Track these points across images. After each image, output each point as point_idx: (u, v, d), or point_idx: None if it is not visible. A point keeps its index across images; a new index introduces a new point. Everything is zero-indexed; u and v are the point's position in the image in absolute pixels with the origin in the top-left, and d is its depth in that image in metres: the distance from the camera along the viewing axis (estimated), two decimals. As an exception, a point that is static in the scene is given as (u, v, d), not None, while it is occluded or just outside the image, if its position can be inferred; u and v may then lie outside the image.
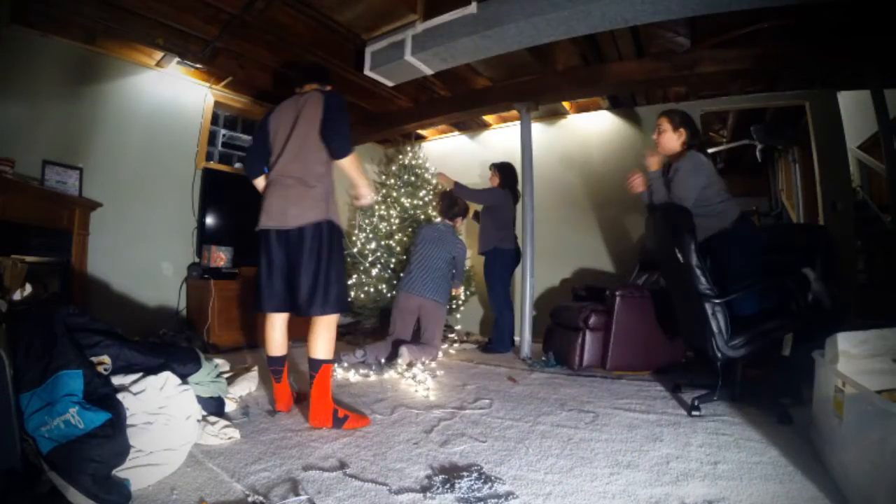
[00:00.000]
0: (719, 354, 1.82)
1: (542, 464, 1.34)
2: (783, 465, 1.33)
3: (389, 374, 2.53)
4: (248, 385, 2.09)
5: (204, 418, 1.50)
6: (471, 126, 4.70)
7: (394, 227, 4.09)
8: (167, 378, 1.34)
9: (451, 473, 1.25)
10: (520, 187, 3.52)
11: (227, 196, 3.78)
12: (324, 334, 1.74)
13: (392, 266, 3.97)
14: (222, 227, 3.70)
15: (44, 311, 1.29)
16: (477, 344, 3.81)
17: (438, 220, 3.35)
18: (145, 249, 3.34)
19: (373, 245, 3.99)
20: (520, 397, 2.13)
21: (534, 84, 3.48)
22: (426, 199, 4.17)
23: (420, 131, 4.82)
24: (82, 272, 2.83)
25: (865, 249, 3.54)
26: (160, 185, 3.47)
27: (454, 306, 4.10)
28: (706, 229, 2.01)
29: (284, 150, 1.82)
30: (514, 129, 4.22)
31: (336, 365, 2.58)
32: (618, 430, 1.66)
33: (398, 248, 3.99)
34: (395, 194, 4.21)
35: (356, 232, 4.34)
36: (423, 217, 4.12)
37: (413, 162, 4.32)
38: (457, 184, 3.49)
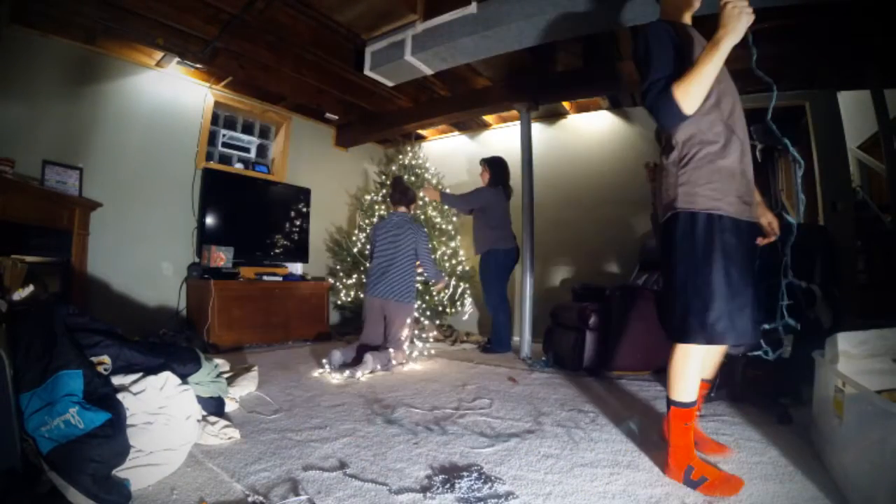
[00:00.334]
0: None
1: (542, 464, 1.34)
2: (783, 465, 1.33)
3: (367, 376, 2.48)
4: (248, 385, 2.09)
5: (204, 418, 1.50)
6: (471, 126, 4.70)
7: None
8: (167, 378, 1.34)
9: (451, 473, 1.25)
10: (516, 182, 3.50)
11: (227, 196, 3.79)
12: (671, 366, 1.30)
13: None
14: (222, 227, 3.70)
15: (44, 311, 1.29)
16: (477, 344, 3.82)
17: (393, 212, 3.09)
18: (145, 249, 3.35)
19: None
20: (520, 397, 2.12)
21: (534, 84, 3.48)
22: (426, 198, 4.17)
23: (420, 131, 4.82)
24: (82, 272, 2.83)
25: (865, 249, 3.54)
26: (160, 185, 3.47)
27: (456, 308, 4.09)
28: None
29: None
30: (514, 129, 4.22)
31: (323, 370, 2.58)
32: (618, 430, 1.66)
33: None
34: (394, 194, 4.21)
35: (356, 232, 4.35)
36: (423, 217, 4.13)
37: (413, 162, 4.33)
38: (443, 194, 3.46)
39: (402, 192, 3.08)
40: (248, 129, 4.31)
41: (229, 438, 1.47)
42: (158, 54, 3.27)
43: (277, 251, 4.07)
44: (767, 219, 1.46)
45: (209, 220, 3.64)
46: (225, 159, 4.11)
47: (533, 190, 3.33)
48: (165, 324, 3.29)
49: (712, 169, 1.25)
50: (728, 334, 1.20)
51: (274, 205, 4.15)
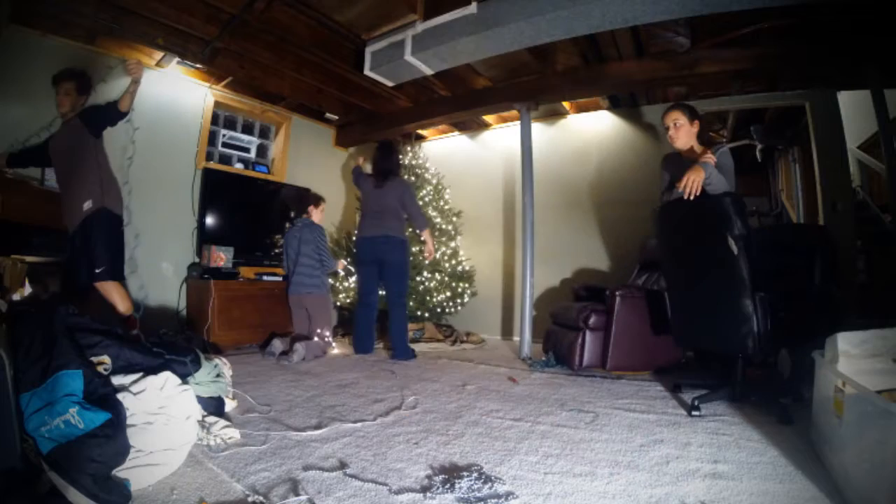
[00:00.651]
0: (759, 350, 1.79)
1: (542, 464, 1.34)
2: (783, 465, 1.33)
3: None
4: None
5: (204, 418, 1.50)
6: (471, 126, 4.70)
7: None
8: (167, 378, 1.34)
9: (451, 473, 1.25)
10: (516, 182, 3.47)
11: (227, 196, 3.79)
12: None
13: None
14: (222, 226, 3.71)
15: (44, 311, 1.29)
16: (474, 345, 3.82)
17: (297, 219, 3.52)
18: (145, 249, 3.34)
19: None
20: (520, 397, 2.12)
21: (534, 84, 3.49)
22: (426, 198, 4.17)
23: (420, 131, 4.82)
24: (82, 272, 2.82)
25: (865, 249, 3.54)
26: (160, 185, 3.47)
27: (455, 308, 4.09)
28: None
29: None
30: (514, 129, 4.22)
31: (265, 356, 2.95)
32: (618, 430, 1.66)
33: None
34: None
35: (356, 232, 4.34)
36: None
37: (413, 162, 4.32)
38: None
39: (300, 201, 3.73)
40: (248, 129, 4.31)
41: (229, 438, 1.47)
42: (158, 54, 3.27)
43: (277, 251, 4.07)
44: None
45: (209, 220, 3.64)
46: (225, 159, 4.11)
47: (533, 190, 3.33)
48: (165, 324, 3.29)
49: None
50: None
51: (274, 205, 4.15)
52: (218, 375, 1.71)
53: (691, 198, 1.90)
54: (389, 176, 3.19)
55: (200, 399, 1.51)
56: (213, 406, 1.62)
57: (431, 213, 4.16)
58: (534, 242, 3.30)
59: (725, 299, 1.85)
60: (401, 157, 4.04)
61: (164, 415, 1.26)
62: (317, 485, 1.18)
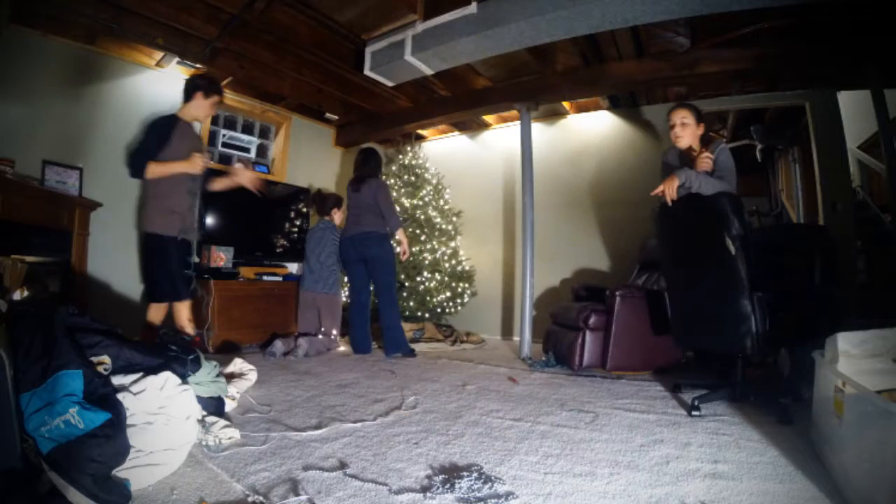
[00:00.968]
0: (758, 350, 1.79)
1: (542, 464, 1.34)
2: (783, 465, 1.33)
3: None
4: (246, 384, 2.09)
5: (204, 418, 1.50)
6: (471, 126, 4.71)
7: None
8: (167, 378, 1.34)
9: (451, 473, 1.25)
10: (516, 182, 3.47)
11: (227, 196, 3.77)
12: None
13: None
14: (222, 227, 3.70)
15: (44, 311, 1.29)
16: (474, 345, 3.82)
17: (319, 221, 3.62)
18: (145, 249, 3.34)
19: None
20: (520, 397, 2.12)
21: (534, 84, 3.49)
22: (426, 198, 4.17)
23: (420, 131, 4.82)
24: (82, 272, 2.83)
25: (865, 249, 3.54)
26: (160, 185, 3.46)
27: (455, 308, 4.09)
28: None
29: None
30: (514, 129, 4.22)
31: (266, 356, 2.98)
32: (618, 430, 1.66)
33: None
34: (395, 194, 4.21)
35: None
36: (422, 217, 4.12)
37: (413, 162, 4.32)
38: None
39: (321, 203, 3.67)
40: (248, 129, 4.31)
41: (229, 438, 1.47)
42: (158, 54, 3.27)
43: (278, 251, 4.07)
44: None
45: (209, 220, 3.64)
46: (225, 159, 4.11)
47: (533, 190, 3.33)
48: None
49: None
50: None
51: (274, 205, 4.15)
52: (218, 375, 1.71)
53: (669, 203, 1.98)
54: (367, 180, 3.28)
55: (200, 399, 1.51)
56: (213, 406, 1.62)
57: (431, 213, 4.16)
58: (534, 242, 3.30)
59: (724, 299, 1.85)
60: (385, 160, 4.13)
61: (164, 415, 1.26)
62: (317, 485, 1.18)
